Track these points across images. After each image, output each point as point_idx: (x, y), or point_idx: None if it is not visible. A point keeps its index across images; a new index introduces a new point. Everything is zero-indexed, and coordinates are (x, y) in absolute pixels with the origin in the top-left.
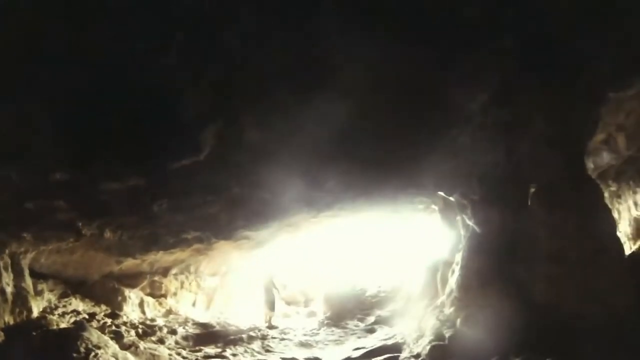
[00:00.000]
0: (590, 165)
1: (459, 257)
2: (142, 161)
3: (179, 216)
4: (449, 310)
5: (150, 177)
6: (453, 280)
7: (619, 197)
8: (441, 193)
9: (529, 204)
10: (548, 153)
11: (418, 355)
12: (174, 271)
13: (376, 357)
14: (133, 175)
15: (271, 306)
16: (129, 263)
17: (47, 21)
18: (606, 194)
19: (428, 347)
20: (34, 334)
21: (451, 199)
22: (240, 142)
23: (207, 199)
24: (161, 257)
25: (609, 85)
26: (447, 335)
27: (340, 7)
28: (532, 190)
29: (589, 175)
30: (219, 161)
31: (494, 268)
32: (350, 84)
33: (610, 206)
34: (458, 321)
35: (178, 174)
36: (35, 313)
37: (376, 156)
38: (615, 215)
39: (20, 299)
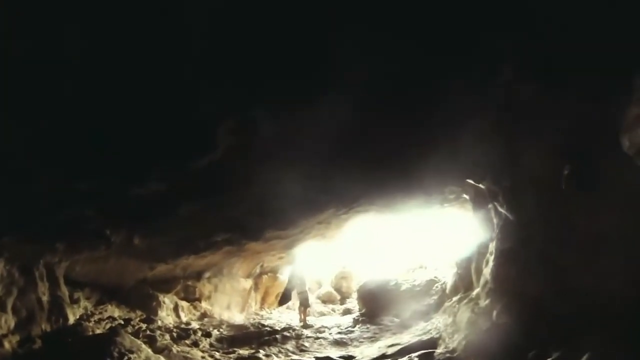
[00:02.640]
0: (625, 143)
1: (492, 247)
2: (160, 164)
3: (205, 219)
4: (484, 302)
5: (170, 180)
6: (488, 271)
7: None
8: (471, 181)
9: (563, 187)
10: (579, 131)
11: (454, 351)
12: (207, 275)
13: (411, 353)
14: (153, 180)
15: (306, 305)
16: (161, 268)
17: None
18: None
19: (464, 342)
20: (70, 340)
21: (481, 186)
22: (256, 139)
23: (231, 200)
24: (193, 261)
25: None
26: (483, 328)
27: (342, 5)
28: (566, 172)
29: (625, 153)
30: (237, 160)
31: (530, 256)
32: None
33: None
34: (494, 313)
35: (198, 176)
36: (72, 320)
37: (399, 145)
38: None
39: (57, 307)
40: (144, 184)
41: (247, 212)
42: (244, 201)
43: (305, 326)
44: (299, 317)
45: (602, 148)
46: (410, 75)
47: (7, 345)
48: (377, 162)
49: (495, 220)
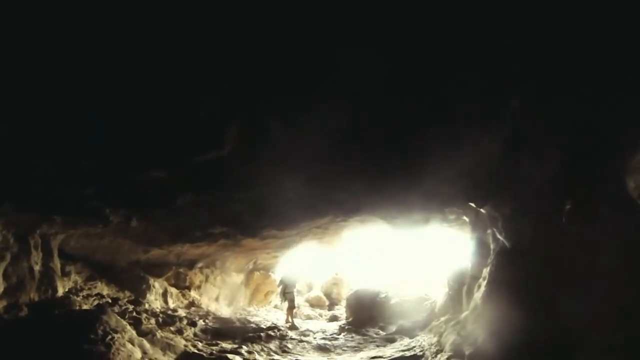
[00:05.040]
0: (631, 184)
1: (486, 272)
2: (164, 153)
3: (204, 211)
4: (471, 326)
5: (172, 169)
6: (479, 296)
7: None
8: (472, 204)
9: (564, 221)
10: (585, 168)
11: None
12: (199, 264)
13: None
14: (155, 167)
15: (293, 307)
16: (155, 253)
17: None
18: None
19: None
20: (56, 312)
21: (482, 210)
22: (265, 140)
23: (232, 196)
24: (188, 250)
25: None
26: (466, 352)
27: (342, 5)
28: (568, 207)
29: (629, 194)
30: (242, 158)
31: (523, 286)
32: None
33: None
34: (480, 339)
35: (201, 169)
36: (61, 292)
37: (403, 161)
38: None
39: (47, 278)
40: (146, 171)
41: (246, 209)
42: (244, 199)
43: (291, 328)
44: (285, 317)
45: (605, 187)
46: (411, 76)
47: None
48: (377, 174)
49: (492, 246)
